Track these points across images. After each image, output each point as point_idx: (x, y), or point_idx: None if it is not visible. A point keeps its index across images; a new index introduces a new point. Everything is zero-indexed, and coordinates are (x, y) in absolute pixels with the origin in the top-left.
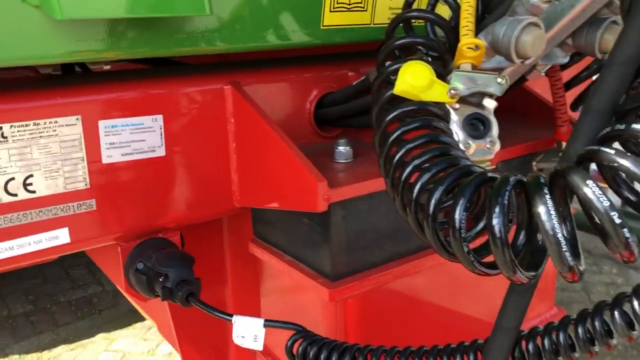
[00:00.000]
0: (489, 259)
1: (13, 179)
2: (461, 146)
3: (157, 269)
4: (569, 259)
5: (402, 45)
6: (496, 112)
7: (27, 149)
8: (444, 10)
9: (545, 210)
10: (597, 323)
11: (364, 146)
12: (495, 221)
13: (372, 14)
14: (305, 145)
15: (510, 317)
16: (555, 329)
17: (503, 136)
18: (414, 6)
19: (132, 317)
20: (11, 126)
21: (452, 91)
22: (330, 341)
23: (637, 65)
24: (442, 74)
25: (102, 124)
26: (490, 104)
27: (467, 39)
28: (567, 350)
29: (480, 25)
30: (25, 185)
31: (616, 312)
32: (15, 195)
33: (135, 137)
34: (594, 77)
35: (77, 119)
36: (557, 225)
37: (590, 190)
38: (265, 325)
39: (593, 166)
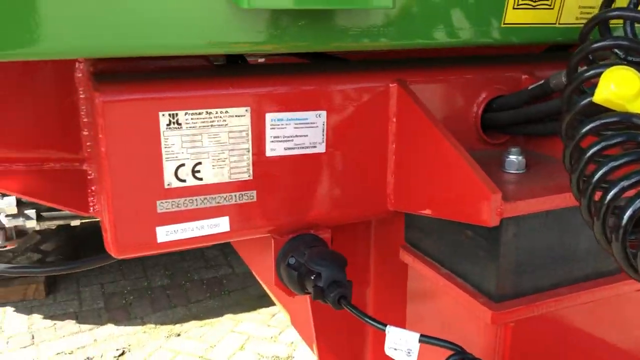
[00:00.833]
0: None
1: (183, 165)
2: None
3: (309, 266)
4: None
5: (604, 47)
6: None
7: (198, 136)
8: None
9: None
10: None
11: (535, 156)
12: None
13: (559, 12)
14: (467, 150)
15: None
16: None
17: None
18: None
19: (259, 302)
20: (186, 113)
21: None
22: None
23: None
24: None
25: (269, 116)
26: None
27: None
28: None
29: None
30: (193, 172)
31: None
32: (184, 181)
33: (298, 132)
34: None
35: (247, 110)
36: None
37: None
38: (420, 341)
39: None
